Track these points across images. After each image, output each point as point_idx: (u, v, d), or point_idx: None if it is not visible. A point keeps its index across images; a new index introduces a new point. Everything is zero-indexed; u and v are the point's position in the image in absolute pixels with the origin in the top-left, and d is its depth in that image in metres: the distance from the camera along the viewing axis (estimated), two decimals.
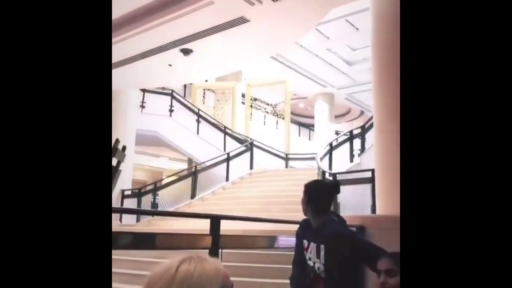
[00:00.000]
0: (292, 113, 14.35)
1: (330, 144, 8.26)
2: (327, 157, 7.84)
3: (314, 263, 2.05)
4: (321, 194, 2.13)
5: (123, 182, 8.12)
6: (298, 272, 2.18)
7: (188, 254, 0.84)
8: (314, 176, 7.42)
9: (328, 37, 11.49)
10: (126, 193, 8.45)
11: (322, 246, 2.01)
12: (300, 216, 2.32)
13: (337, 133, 14.71)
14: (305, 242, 2.15)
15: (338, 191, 2.25)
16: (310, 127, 19.16)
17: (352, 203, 5.21)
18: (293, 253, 2.34)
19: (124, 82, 7.56)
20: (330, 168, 7.42)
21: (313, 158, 9.67)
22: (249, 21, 5.16)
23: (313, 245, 2.07)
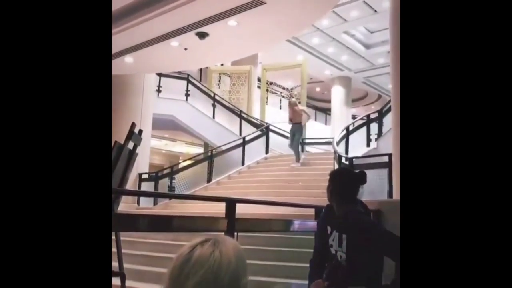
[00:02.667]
0: (308, 97, 14.23)
1: (347, 129, 8.18)
2: (344, 141, 7.78)
3: (336, 251, 2.05)
4: (346, 184, 2.11)
5: (140, 166, 8.24)
6: (319, 257, 2.18)
7: (207, 236, 0.84)
8: (330, 160, 7.38)
9: (345, 20, 11.27)
10: (143, 176, 8.57)
11: (344, 236, 2.00)
12: (315, 200, 2.32)
13: (354, 117, 14.55)
14: (329, 228, 2.14)
15: (364, 182, 2.17)
16: (326, 111, 19.01)
17: (369, 188, 5.18)
18: (308, 237, 2.34)
19: (141, 66, 7.59)
20: (347, 152, 7.36)
21: (329, 143, 9.61)
22: (265, 3, 5.08)
23: (335, 233, 2.06)
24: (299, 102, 10.48)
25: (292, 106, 8.82)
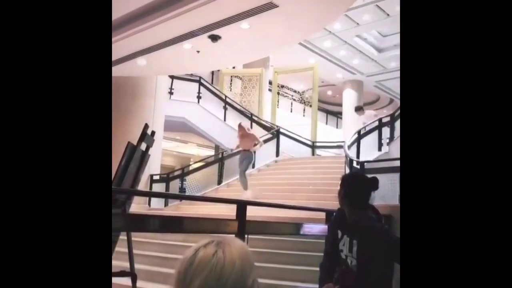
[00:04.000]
0: (319, 100, 14.20)
1: (358, 132, 8.13)
2: (355, 145, 7.73)
3: (346, 256, 2.05)
4: (358, 190, 2.09)
5: (152, 167, 8.29)
6: (329, 262, 2.17)
7: (213, 238, 0.84)
8: (341, 164, 7.35)
9: (358, 23, 11.23)
10: (154, 177, 8.63)
11: (355, 242, 2.00)
12: (326, 204, 2.31)
13: None
14: (340, 233, 2.13)
15: (376, 188, 2.15)
16: (338, 115, 18.93)
17: (380, 193, 5.14)
18: (318, 240, 2.33)
19: (154, 68, 7.65)
20: (358, 156, 7.32)
21: (340, 146, 9.57)
22: (277, 6, 5.09)
23: (346, 239, 2.06)
24: (310, 106, 10.39)
25: (242, 130, 7.50)
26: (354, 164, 6.29)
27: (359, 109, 9.51)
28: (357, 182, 2.18)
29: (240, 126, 7.64)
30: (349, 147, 7.23)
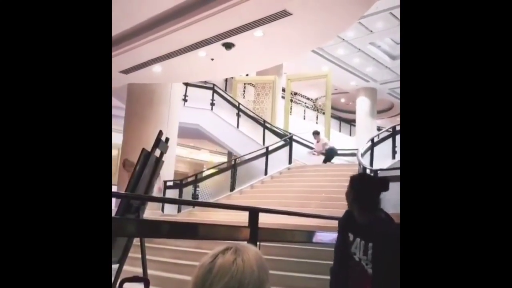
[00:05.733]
0: (332, 107, 14.15)
1: (372, 140, 8.07)
2: (369, 153, 7.67)
3: (360, 259, 2.00)
4: (368, 192, 2.02)
5: (166, 173, 8.35)
6: (340, 265, 2.11)
7: (229, 245, 0.85)
8: (354, 172, 7.29)
9: (371, 31, 11.21)
10: (168, 184, 8.69)
11: (370, 245, 1.95)
12: (339, 212, 2.29)
13: (379, 129, 14.35)
14: (351, 235, 2.06)
15: (386, 188, 2.06)
16: (351, 122, 18.82)
17: (394, 201, 5.09)
18: (330, 249, 2.29)
19: (168, 75, 7.74)
20: (371, 164, 7.26)
21: (353, 154, 9.50)
22: (291, 14, 5.12)
23: (359, 241, 2.00)
24: (323, 113, 10.63)
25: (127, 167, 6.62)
26: (368, 172, 6.24)
27: (316, 133, 10.32)
28: (366, 183, 2.10)
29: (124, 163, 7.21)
30: (362, 155, 7.17)
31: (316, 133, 10.22)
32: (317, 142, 10.03)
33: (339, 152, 12.24)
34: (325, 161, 9.91)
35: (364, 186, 2.06)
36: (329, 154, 9.95)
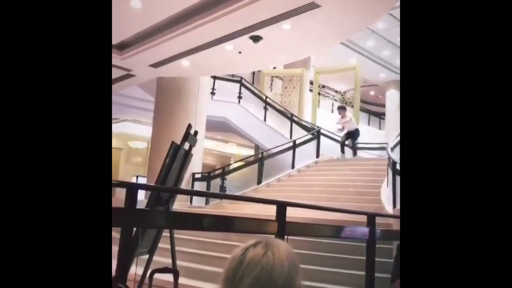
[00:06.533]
0: (361, 100, 13.92)
1: None
2: (399, 147, 7.51)
3: None
4: None
5: (194, 166, 8.46)
6: None
7: (260, 238, 0.86)
8: (383, 167, 7.17)
9: None
10: (196, 176, 8.81)
11: None
12: (367, 207, 2.27)
13: None
14: None
15: None
16: (380, 115, 18.46)
17: None
18: (359, 244, 2.30)
19: (196, 69, 7.81)
20: None
21: (383, 148, 9.33)
22: (320, 6, 5.05)
23: None
24: (352, 106, 10.44)
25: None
26: (397, 167, 6.12)
27: (341, 108, 10.02)
28: None
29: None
30: (392, 149, 7.03)
31: (341, 108, 10.01)
32: (342, 117, 9.78)
33: (368, 146, 12.06)
34: (346, 139, 9.82)
35: None
36: (354, 134, 9.79)
